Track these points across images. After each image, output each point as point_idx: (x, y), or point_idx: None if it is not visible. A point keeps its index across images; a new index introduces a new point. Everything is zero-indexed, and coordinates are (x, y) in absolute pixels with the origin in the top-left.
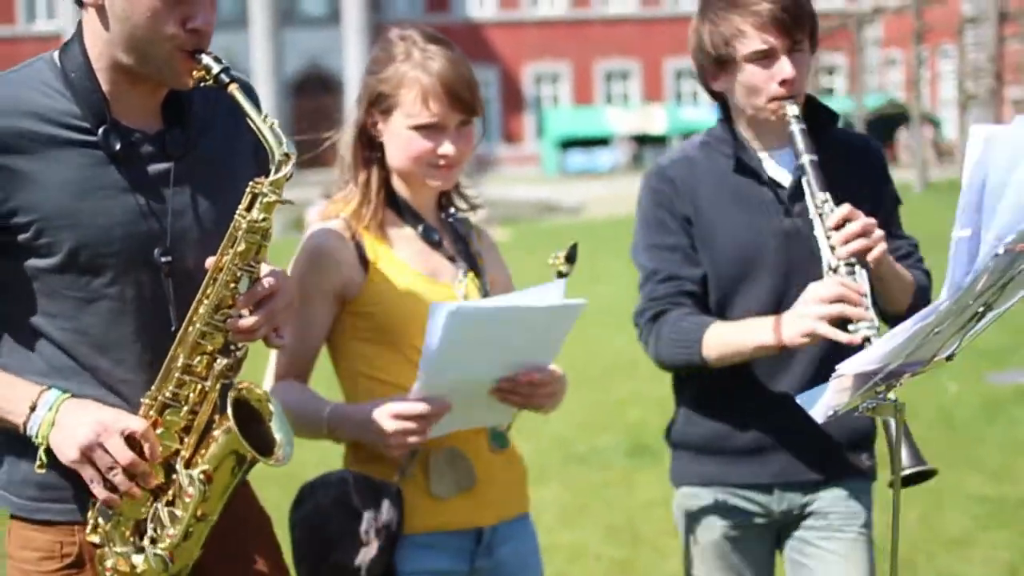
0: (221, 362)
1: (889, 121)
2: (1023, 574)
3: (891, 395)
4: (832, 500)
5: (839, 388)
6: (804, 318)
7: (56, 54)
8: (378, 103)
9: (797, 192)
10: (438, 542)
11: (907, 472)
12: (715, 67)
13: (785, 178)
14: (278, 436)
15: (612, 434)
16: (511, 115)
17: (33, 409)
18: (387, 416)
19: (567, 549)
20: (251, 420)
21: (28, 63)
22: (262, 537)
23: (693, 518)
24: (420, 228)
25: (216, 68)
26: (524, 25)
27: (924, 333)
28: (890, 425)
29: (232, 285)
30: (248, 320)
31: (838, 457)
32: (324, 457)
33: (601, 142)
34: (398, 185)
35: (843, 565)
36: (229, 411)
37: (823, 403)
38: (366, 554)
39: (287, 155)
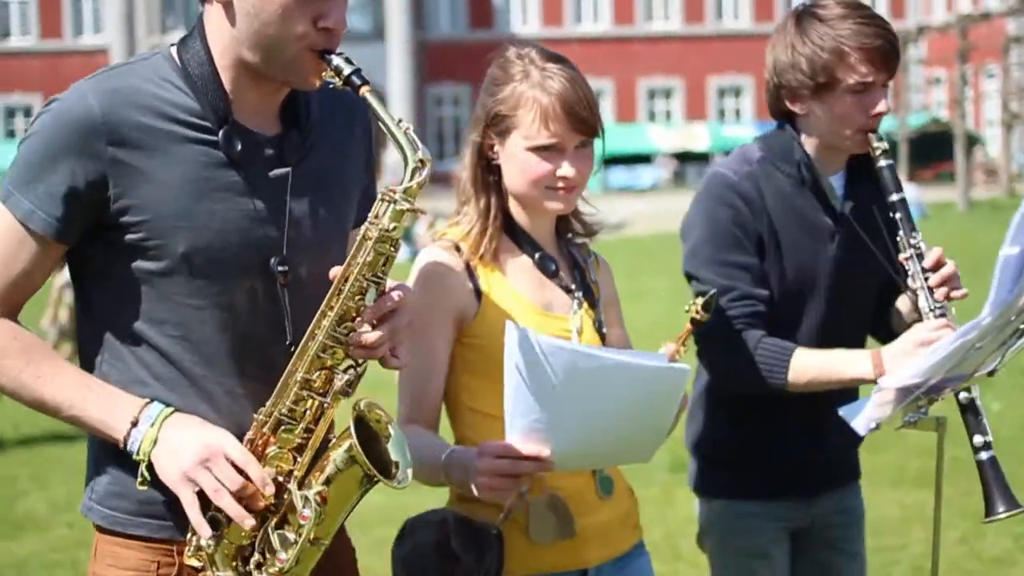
0: (342, 378)
1: (931, 140)
2: None
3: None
4: (852, 499)
5: (881, 402)
6: (909, 356)
7: (174, 49)
8: (495, 124)
9: (844, 220)
10: None
11: (1000, 517)
12: (805, 89)
13: (836, 205)
14: (396, 458)
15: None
16: None
17: (135, 424)
18: (481, 457)
19: None
20: (369, 440)
21: (143, 56)
22: (351, 566)
23: (730, 529)
24: (537, 256)
25: (347, 70)
26: (567, 42)
27: (966, 348)
28: (985, 467)
29: (358, 297)
30: (372, 335)
31: (853, 458)
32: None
33: (643, 159)
34: (515, 210)
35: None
36: (352, 429)
37: (865, 416)
38: None
39: (422, 161)
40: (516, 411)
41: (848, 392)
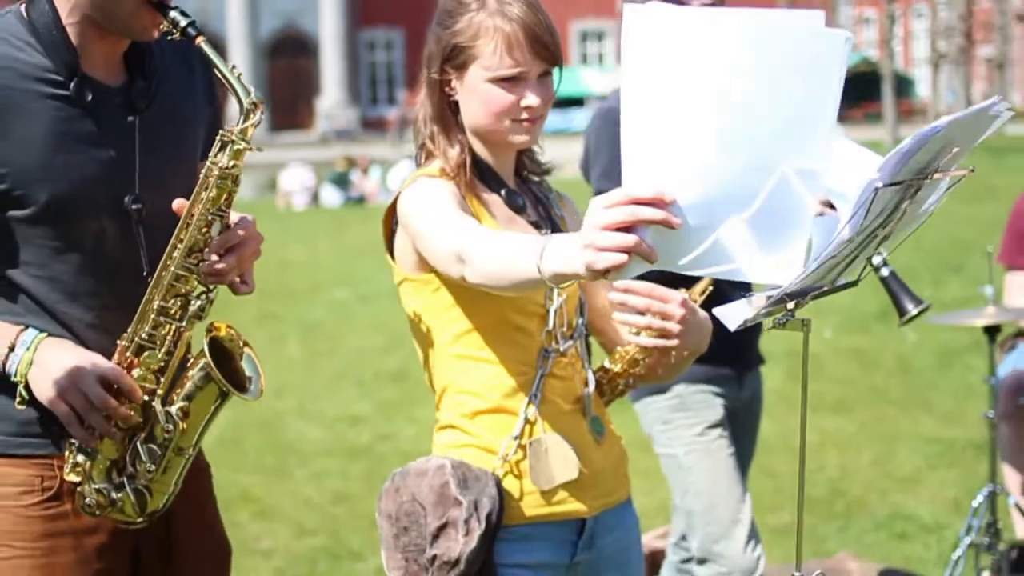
0: (195, 304)
1: (861, 80)
2: (966, 508)
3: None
4: (759, 383)
5: (752, 305)
6: None
7: (23, 7)
8: (452, 58)
9: None
10: (538, 533)
11: (912, 313)
12: None
13: None
14: (249, 373)
15: None
16: None
17: (12, 349)
18: (594, 211)
19: None
20: (223, 359)
21: None
22: (208, 481)
23: (692, 405)
24: (503, 192)
25: (183, 22)
26: None
27: (829, 264)
28: (889, 280)
29: (204, 230)
30: (220, 263)
31: (758, 344)
32: (302, 406)
33: (576, 102)
34: (477, 147)
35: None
36: (206, 348)
37: (737, 316)
38: (466, 545)
39: (255, 103)
40: (634, 131)
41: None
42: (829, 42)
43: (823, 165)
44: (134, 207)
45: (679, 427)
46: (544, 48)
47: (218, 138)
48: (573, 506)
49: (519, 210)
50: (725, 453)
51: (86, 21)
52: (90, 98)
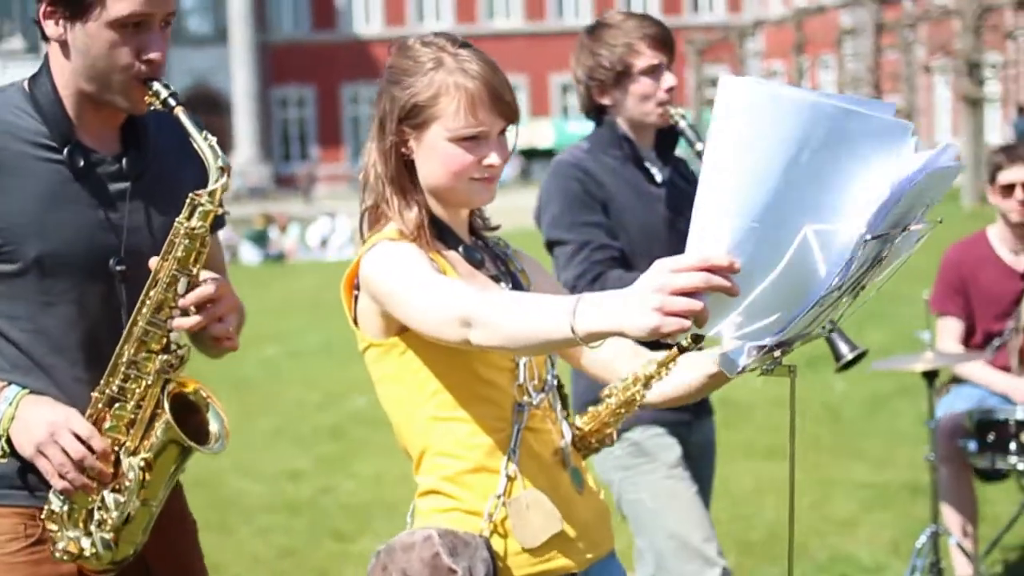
0: (162, 359)
1: None
2: (903, 549)
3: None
4: (711, 432)
5: (747, 354)
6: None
7: (26, 82)
8: (410, 117)
9: (665, 183)
10: None
11: (848, 358)
12: (609, 81)
13: (658, 174)
14: (213, 427)
15: None
16: None
17: None
18: (659, 274)
19: None
20: (190, 412)
21: (1, 89)
22: (194, 537)
23: (649, 449)
24: (461, 248)
25: (164, 93)
26: None
27: (815, 314)
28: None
29: (172, 287)
30: (187, 320)
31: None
32: (240, 462)
33: None
34: (433, 205)
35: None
36: (166, 404)
37: (735, 364)
38: None
39: (223, 168)
40: (708, 196)
41: None
42: (894, 131)
43: (840, 227)
44: (118, 268)
45: (641, 472)
46: (505, 106)
47: (188, 200)
48: (562, 562)
49: (478, 265)
50: (691, 492)
51: (82, 95)
52: (82, 164)
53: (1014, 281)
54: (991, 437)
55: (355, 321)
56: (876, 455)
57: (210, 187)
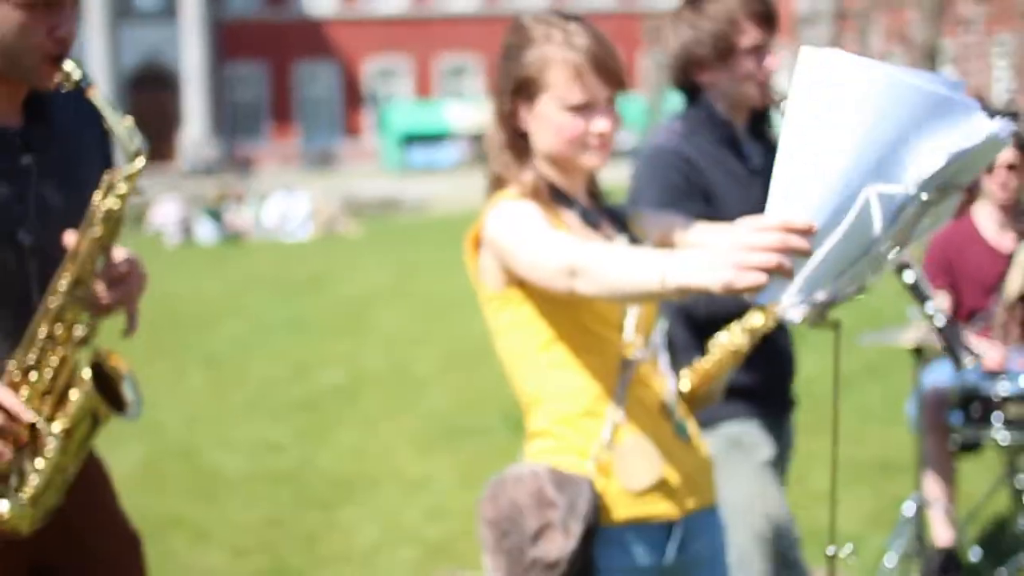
0: (78, 331)
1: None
2: (882, 521)
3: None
4: (792, 428)
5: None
6: None
7: None
8: (522, 90)
9: (764, 167)
10: (632, 536)
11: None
12: (710, 58)
13: (755, 158)
14: (129, 396)
15: (491, 411)
16: (352, 110)
17: None
18: (743, 233)
19: (467, 510)
20: (105, 382)
21: None
22: (104, 476)
23: (744, 445)
24: (578, 211)
25: (77, 73)
26: (364, 21)
27: (862, 269)
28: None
29: (89, 264)
30: (107, 296)
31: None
32: (218, 435)
33: (442, 138)
34: (549, 172)
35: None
36: (88, 373)
37: (781, 297)
38: (565, 546)
39: (139, 151)
40: (786, 162)
41: None
42: (965, 109)
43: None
44: (27, 241)
45: (733, 465)
46: (611, 75)
47: (104, 180)
48: (662, 508)
49: (595, 226)
50: (778, 493)
51: None
52: None
53: (998, 260)
54: (976, 411)
55: (477, 276)
56: (848, 432)
57: (126, 168)
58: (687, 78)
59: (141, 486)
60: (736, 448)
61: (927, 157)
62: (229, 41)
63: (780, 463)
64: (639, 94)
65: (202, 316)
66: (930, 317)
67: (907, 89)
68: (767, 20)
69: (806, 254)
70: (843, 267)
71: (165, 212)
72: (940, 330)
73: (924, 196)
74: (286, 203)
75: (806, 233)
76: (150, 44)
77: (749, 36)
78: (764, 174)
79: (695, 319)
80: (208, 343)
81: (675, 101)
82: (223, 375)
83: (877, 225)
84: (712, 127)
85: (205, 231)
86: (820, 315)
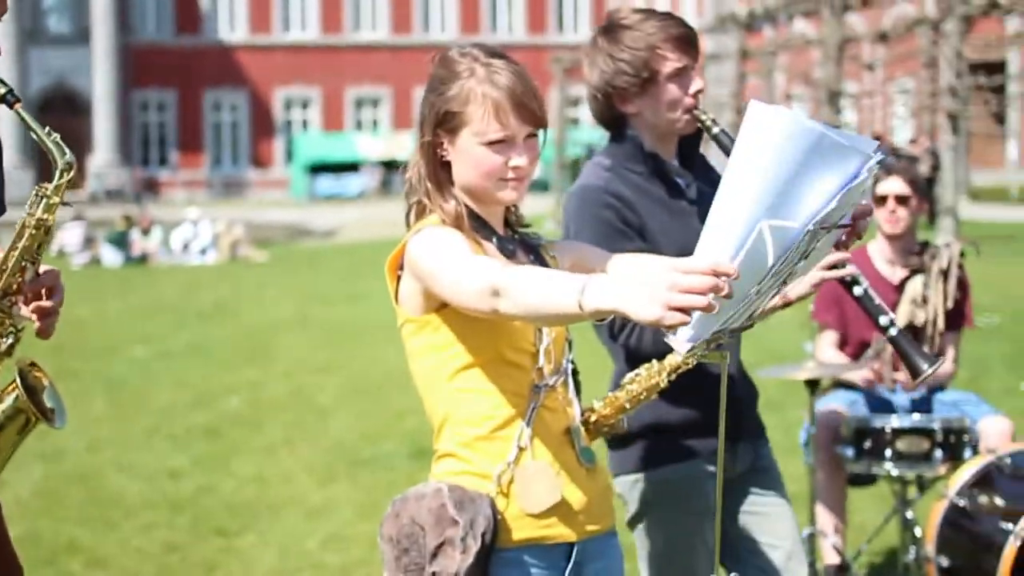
0: (5, 341)
1: None
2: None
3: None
4: (765, 448)
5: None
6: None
7: None
8: (444, 123)
9: (696, 197)
10: (527, 557)
11: (928, 372)
12: (634, 88)
13: (687, 187)
14: (51, 405)
15: (393, 440)
16: (261, 139)
17: None
18: (670, 273)
19: (366, 538)
20: (29, 391)
21: None
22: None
23: (681, 491)
24: (495, 240)
25: (2, 89)
26: (275, 49)
27: (750, 303)
28: (898, 339)
29: (18, 275)
30: (47, 301)
31: (757, 415)
32: (118, 460)
33: (350, 167)
34: (468, 202)
35: (789, 511)
36: (18, 380)
37: (684, 342)
38: (463, 562)
39: (69, 164)
40: (722, 208)
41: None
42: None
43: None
44: None
45: (664, 513)
46: (530, 113)
47: (35, 192)
48: (561, 530)
49: (510, 255)
50: (706, 549)
51: None
52: None
53: (888, 293)
54: (867, 444)
55: (396, 300)
56: None
57: (56, 182)
58: (611, 111)
59: (39, 510)
60: (668, 494)
61: (819, 196)
62: (139, 67)
63: (754, 490)
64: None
65: (106, 340)
66: (884, 328)
67: (830, 145)
68: (687, 44)
69: (728, 298)
70: (737, 300)
71: (72, 236)
72: (895, 340)
73: (811, 227)
74: (191, 228)
75: (731, 278)
76: (60, 68)
77: (670, 62)
78: (702, 203)
79: (640, 357)
80: (111, 368)
81: (580, 136)
82: (125, 400)
83: (770, 258)
84: (639, 160)
85: (110, 256)
86: (708, 347)
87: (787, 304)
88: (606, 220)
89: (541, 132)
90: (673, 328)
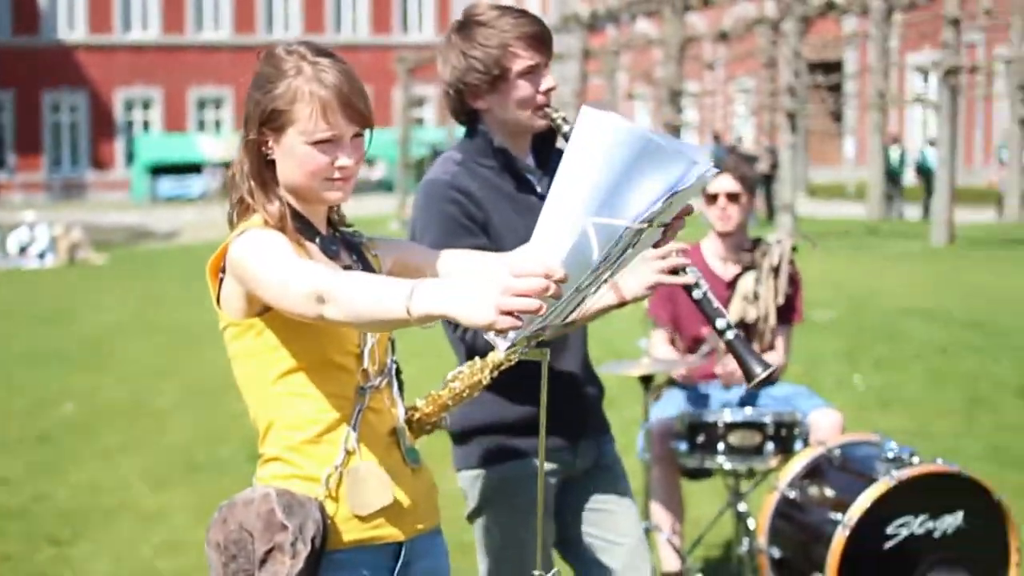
0: None
1: None
2: None
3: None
4: (609, 444)
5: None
6: (648, 274)
7: None
8: (270, 121)
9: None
10: (359, 559)
11: (761, 376)
12: (484, 85)
13: (538, 184)
14: None
15: (231, 444)
16: (101, 140)
17: None
18: (502, 277)
19: (202, 544)
20: None
21: None
22: None
23: (518, 488)
24: (318, 240)
25: None
26: (115, 49)
27: (572, 299)
28: (735, 343)
29: None
30: None
31: (602, 411)
32: None
33: (193, 169)
34: (292, 201)
35: (633, 508)
36: None
37: (503, 343)
38: (293, 567)
39: None
40: (553, 211)
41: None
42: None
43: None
44: None
45: (498, 509)
46: (357, 112)
47: None
48: (389, 531)
49: (334, 256)
50: (533, 545)
51: None
52: None
53: (721, 290)
54: (701, 438)
55: (218, 303)
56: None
57: None
58: (463, 106)
59: None
60: (503, 490)
61: (644, 197)
62: None
63: (598, 488)
64: (392, 128)
65: None
66: (721, 332)
67: (658, 148)
68: (540, 42)
69: (556, 298)
70: (560, 298)
71: None
72: (731, 344)
73: (637, 228)
74: (28, 232)
75: (560, 281)
76: None
77: (522, 59)
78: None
79: (475, 352)
80: None
81: (424, 135)
82: None
83: (595, 256)
84: (489, 155)
85: None
86: (528, 344)
87: (623, 303)
88: (450, 215)
89: (367, 132)
90: (504, 332)
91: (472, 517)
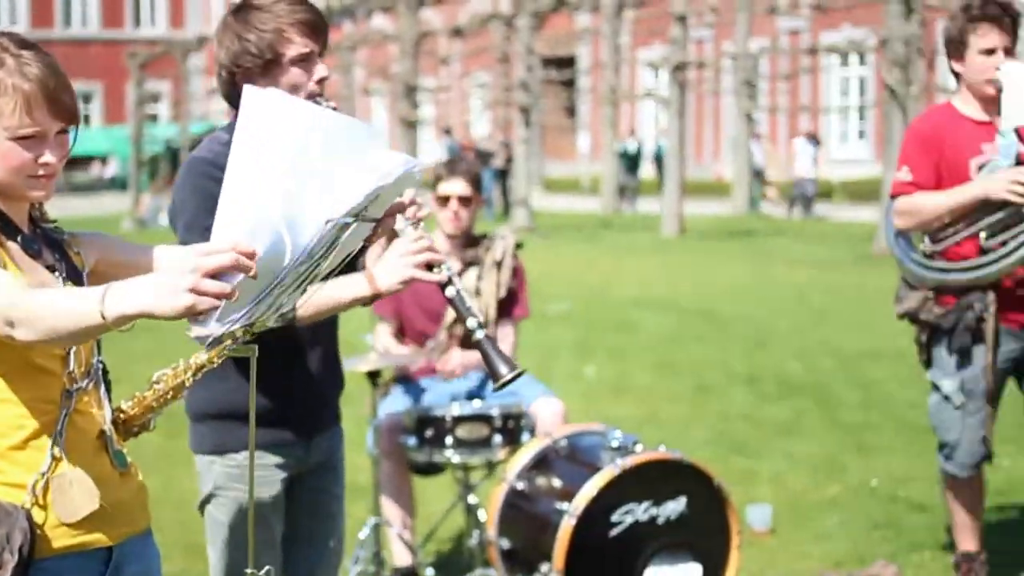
0: None
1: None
2: (348, 542)
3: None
4: (337, 442)
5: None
6: (402, 268)
7: None
8: None
9: None
10: (67, 566)
11: (507, 378)
12: (257, 69)
13: None
14: None
15: None
16: None
17: None
18: (192, 258)
19: None
20: None
21: None
22: None
23: (243, 480)
24: (19, 239)
25: None
26: (56, 43)
27: (276, 295)
28: (483, 343)
29: None
30: None
31: (336, 403)
32: None
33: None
34: None
35: (342, 510)
36: None
37: (208, 333)
38: None
39: None
40: (232, 191)
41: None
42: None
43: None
44: None
45: (231, 497)
46: (62, 108)
47: None
48: (97, 536)
49: (35, 255)
50: (267, 535)
51: None
52: None
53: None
54: (429, 433)
55: None
56: None
57: None
58: (235, 89)
59: None
60: (239, 480)
61: (347, 190)
62: None
63: (323, 480)
64: (125, 125)
65: None
66: (471, 331)
67: (329, 121)
68: (315, 30)
69: (253, 276)
70: (257, 293)
71: None
72: (479, 345)
73: (340, 225)
74: None
75: (250, 257)
76: None
77: (295, 46)
78: None
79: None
80: None
81: (159, 132)
82: None
83: (289, 253)
84: None
85: None
86: (235, 342)
87: (377, 295)
88: (208, 191)
89: (73, 128)
90: (205, 314)
91: (203, 505)
